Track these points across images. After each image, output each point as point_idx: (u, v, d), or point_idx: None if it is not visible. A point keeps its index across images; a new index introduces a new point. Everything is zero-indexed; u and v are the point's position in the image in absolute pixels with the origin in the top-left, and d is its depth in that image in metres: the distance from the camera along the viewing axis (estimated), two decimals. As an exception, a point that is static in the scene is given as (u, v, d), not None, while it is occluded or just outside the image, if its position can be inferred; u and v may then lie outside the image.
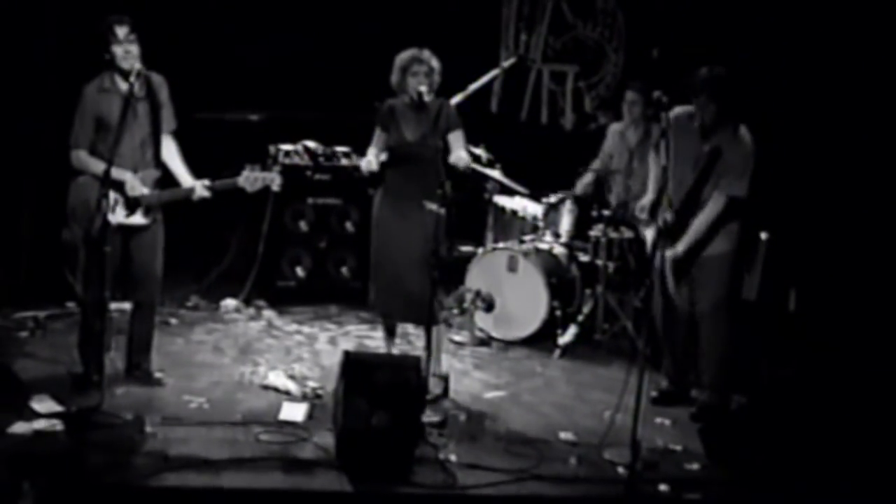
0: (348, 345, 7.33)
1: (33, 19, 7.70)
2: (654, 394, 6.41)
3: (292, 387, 6.33)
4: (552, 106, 9.64)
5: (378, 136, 6.42)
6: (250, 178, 6.10)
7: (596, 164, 7.98)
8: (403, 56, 6.30)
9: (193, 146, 6.41)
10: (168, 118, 6.19)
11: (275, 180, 6.16)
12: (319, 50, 9.14)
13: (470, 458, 5.57)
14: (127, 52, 5.91)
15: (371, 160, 6.34)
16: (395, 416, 5.31)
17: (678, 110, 6.24)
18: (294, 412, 5.96)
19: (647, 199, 6.55)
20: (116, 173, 5.85)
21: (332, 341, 7.44)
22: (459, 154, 6.27)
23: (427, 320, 5.97)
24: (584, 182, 7.90)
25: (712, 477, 5.59)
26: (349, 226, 8.31)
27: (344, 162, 8.28)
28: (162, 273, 6.26)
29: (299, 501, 5.19)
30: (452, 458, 5.56)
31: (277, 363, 6.81)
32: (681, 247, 6.19)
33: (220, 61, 8.87)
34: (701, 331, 6.35)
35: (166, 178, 6.19)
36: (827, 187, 7.78)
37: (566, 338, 7.45)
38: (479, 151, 7.71)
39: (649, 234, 7.09)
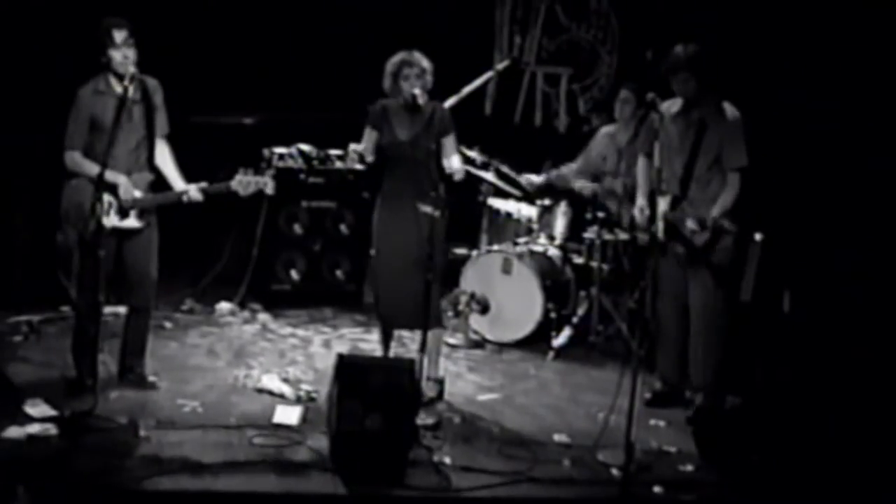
0: (342, 348, 7.32)
1: (28, 22, 7.69)
2: (647, 395, 6.42)
3: (286, 390, 6.32)
4: (546, 108, 9.64)
5: (368, 134, 6.35)
6: (243, 182, 6.10)
7: (574, 165, 8.00)
8: (393, 60, 6.28)
9: (188, 149, 6.41)
10: (162, 122, 6.19)
11: (268, 184, 6.17)
12: (314, 52, 9.13)
13: (464, 460, 5.57)
14: (125, 56, 5.90)
15: (357, 147, 6.31)
16: (388, 418, 5.31)
17: (663, 105, 6.28)
18: (288, 415, 5.95)
19: (641, 201, 6.55)
20: (110, 176, 5.87)
21: (327, 344, 7.45)
22: (453, 165, 6.26)
23: (423, 324, 5.97)
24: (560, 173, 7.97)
25: (707, 478, 5.60)
26: (343, 229, 8.32)
27: (338, 165, 8.28)
28: (157, 276, 6.26)
29: (293, 505, 5.20)
30: (446, 460, 5.56)
31: (272, 366, 6.81)
32: (716, 211, 6.14)
33: (214, 64, 8.87)
34: (695, 331, 6.34)
35: (159, 182, 6.19)
36: (822, 188, 7.78)
37: (560, 340, 7.46)
38: (472, 154, 7.72)
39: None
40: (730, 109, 6.26)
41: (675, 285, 6.36)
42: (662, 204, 6.24)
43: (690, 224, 6.13)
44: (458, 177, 6.27)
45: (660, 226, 6.24)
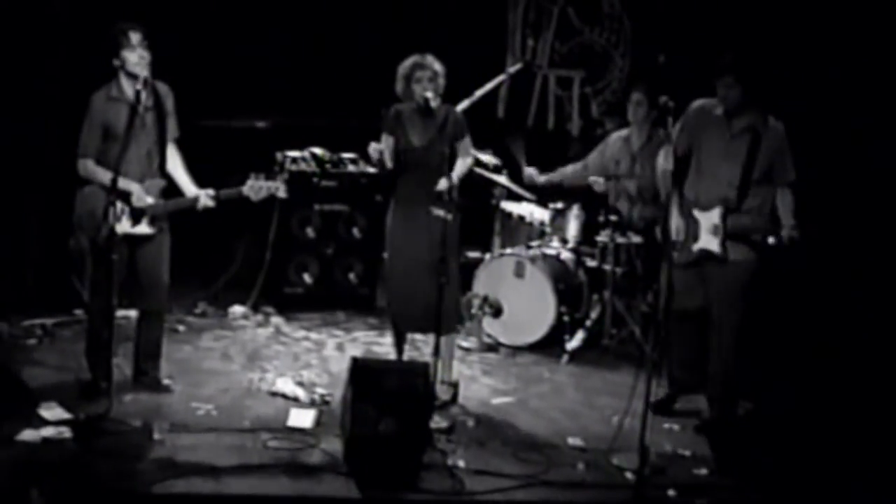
0: (356, 351, 7.33)
1: (39, 29, 7.71)
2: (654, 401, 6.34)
3: (300, 393, 6.32)
4: (559, 111, 9.64)
5: (385, 140, 6.39)
6: (255, 188, 6.11)
7: (577, 166, 7.98)
8: (406, 64, 6.29)
9: (200, 153, 6.42)
10: (172, 127, 6.19)
11: (279, 189, 6.17)
12: (326, 56, 9.15)
13: (478, 463, 5.57)
14: (141, 57, 5.90)
15: (378, 145, 6.30)
16: (402, 422, 5.31)
17: (700, 102, 6.22)
18: (302, 419, 5.95)
19: (679, 221, 6.26)
20: (123, 183, 5.86)
21: (340, 347, 7.45)
22: (456, 167, 6.26)
23: (436, 328, 5.97)
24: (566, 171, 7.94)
25: (721, 482, 5.58)
26: (356, 232, 8.31)
27: (351, 168, 8.28)
28: (169, 281, 6.26)
29: (307, 508, 5.20)
30: (460, 463, 5.56)
31: (285, 370, 6.81)
32: (792, 232, 6.00)
33: (226, 68, 8.89)
34: (713, 339, 6.26)
35: (171, 188, 6.20)
36: (828, 192, 7.75)
37: (574, 343, 7.45)
38: (485, 157, 7.71)
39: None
40: (777, 123, 6.14)
41: (694, 296, 6.28)
42: (713, 217, 6.12)
43: (772, 240, 6.00)
44: (442, 186, 6.15)
45: (716, 240, 6.10)
